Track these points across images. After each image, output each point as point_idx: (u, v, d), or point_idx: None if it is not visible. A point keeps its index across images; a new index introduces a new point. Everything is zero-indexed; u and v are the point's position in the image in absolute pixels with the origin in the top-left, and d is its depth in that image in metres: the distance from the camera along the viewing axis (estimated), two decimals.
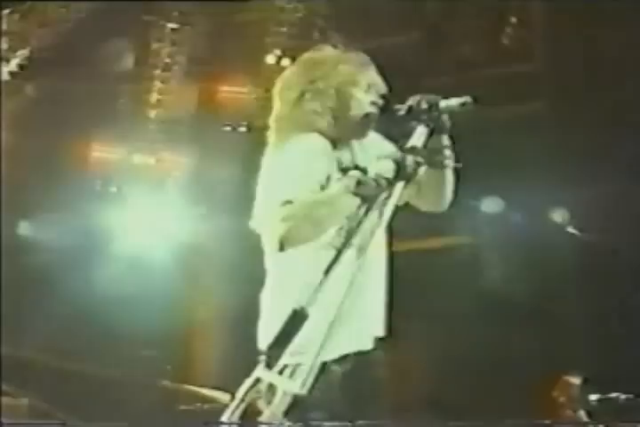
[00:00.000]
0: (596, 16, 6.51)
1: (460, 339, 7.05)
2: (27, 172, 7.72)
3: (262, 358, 2.48)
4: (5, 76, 6.93)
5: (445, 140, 2.92)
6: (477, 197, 7.50)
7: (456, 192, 3.09)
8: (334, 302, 2.49)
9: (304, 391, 2.44)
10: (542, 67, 7.18)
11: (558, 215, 7.28)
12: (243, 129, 7.60)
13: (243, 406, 2.54)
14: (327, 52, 3.08)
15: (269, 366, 2.48)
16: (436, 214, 3.26)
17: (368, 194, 2.70)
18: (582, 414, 5.36)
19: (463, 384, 6.96)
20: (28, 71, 7.02)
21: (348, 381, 2.86)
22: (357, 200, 2.71)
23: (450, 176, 3.03)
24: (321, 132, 2.94)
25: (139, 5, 7.34)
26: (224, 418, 2.53)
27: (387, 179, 2.69)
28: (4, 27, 6.87)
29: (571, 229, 7.12)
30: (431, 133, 2.80)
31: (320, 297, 2.50)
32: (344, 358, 2.86)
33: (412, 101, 2.82)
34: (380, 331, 2.96)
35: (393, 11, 6.90)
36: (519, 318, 6.91)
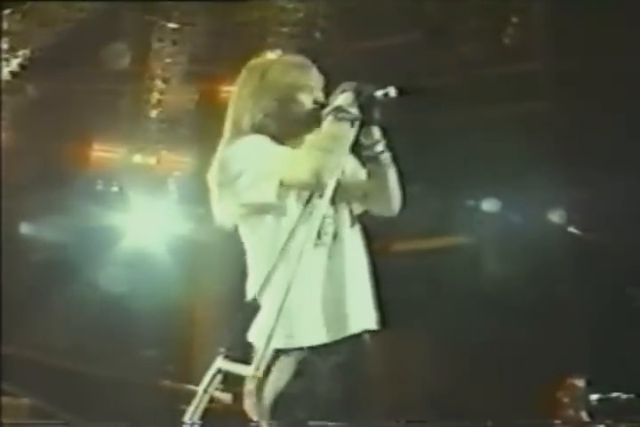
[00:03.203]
0: (598, 15, 6.51)
1: (461, 339, 7.05)
2: (27, 172, 7.72)
3: (222, 349, 2.56)
4: (6, 76, 6.94)
5: (376, 131, 2.96)
6: (477, 197, 7.51)
7: (404, 193, 3.07)
8: (282, 291, 2.64)
9: (259, 374, 2.52)
10: (543, 66, 7.18)
11: (558, 215, 7.29)
12: None
13: (206, 398, 2.62)
14: (269, 57, 3.24)
15: (228, 356, 2.57)
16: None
17: None
18: (584, 414, 5.36)
19: (464, 384, 6.96)
20: (29, 71, 7.02)
21: (336, 372, 2.90)
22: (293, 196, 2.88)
23: (392, 175, 3.03)
24: (269, 135, 2.99)
25: (139, 5, 7.34)
26: (189, 412, 2.61)
27: None
28: (5, 26, 6.87)
29: (571, 229, 7.12)
30: (362, 126, 2.87)
31: (273, 287, 2.68)
32: (329, 346, 2.89)
33: (339, 94, 2.89)
34: (372, 324, 2.99)
35: (393, 11, 6.89)
36: (519, 317, 6.91)
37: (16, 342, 7.19)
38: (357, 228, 3.05)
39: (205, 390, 2.61)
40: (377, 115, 2.88)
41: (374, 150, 2.96)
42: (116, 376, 7.56)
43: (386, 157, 2.99)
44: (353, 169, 3.05)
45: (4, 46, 6.90)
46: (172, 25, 7.57)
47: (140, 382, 7.49)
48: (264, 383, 2.73)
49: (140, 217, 8.04)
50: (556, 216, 7.33)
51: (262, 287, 2.65)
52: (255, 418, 2.86)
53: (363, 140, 2.92)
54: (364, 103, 2.85)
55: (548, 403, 5.49)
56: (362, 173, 3.04)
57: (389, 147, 2.99)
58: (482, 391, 6.78)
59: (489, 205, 7.48)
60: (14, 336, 7.10)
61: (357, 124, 2.84)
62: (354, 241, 3.02)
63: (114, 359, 7.59)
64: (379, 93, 2.85)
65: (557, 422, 5.33)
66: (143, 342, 7.92)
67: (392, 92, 2.84)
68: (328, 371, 2.86)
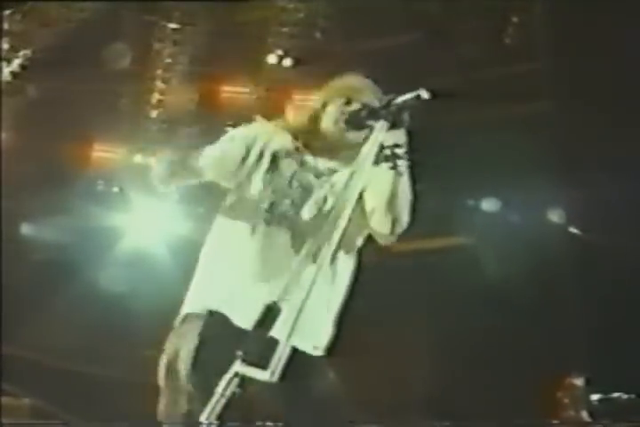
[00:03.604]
0: (598, 15, 6.51)
1: (460, 338, 7.05)
2: (27, 172, 7.73)
3: (239, 353, 2.55)
4: (7, 77, 6.94)
5: (402, 134, 2.92)
6: (478, 197, 7.51)
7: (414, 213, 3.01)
8: (300, 296, 2.58)
9: (274, 379, 2.50)
10: (544, 66, 7.18)
11: (558, 215, 7.29)
12: None
13: (223, 401, 2.61)
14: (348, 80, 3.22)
15: (245, 360, 2.56)
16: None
17: None
18: (585, 414, 5.36)
19: (464, 384, 6.96)
20: (29, 71, 7.03)
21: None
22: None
23: (404, 185, 2.98)
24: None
25: (140, 5, 7.35)
26: (205, 414, 2.60)
27: None
28: (6, 27, 6.88)
29: (571, 229, 7.12)
30: (391, 128, 2.83)
31: (291, 292, 2.64)
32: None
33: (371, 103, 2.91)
34: (319, 351, 2.97)
35: (394, 11, 6.90)
36: (519, 317, 6.91)
37: (16, 342, 7.19)
38: (353, 254, 3.02)
39: (222, 394, 2.60)
40: (406, 118, 2.82)
41: (393, 151, 2.90)
42: (116, 376, 7.55)
43: (402, 163, 2.93)
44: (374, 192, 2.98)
45: (5, 47, 6.91)
46: (172, 25, 7.57)
47: (140, 382, 7.47)
48: (177, 356, 2.76)
49: (141, 217, 8.04)
50: (555, 216, 7.33)
51: (284, 291, 2.61)
52: (168, 390, 2.87)
53: (386, 141, 2.86)
54: (395, 107, 2.80)
55: (548, 403, 5.50)
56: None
57: (410, 158, 2.95)
58: (481, 391, 6.77)
59: (489, 205, 7.48)
60: (14, 336, 7.10)
61: (383, 128, 2.78)
62: (345, 269, 2.99)
63: (114, 359, 7.58)
64: (410, 96, 2.79)
65: (557, 422, 5.33)
66: (143, 342, 7.90)
67: (424, 94, 2.80)
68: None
